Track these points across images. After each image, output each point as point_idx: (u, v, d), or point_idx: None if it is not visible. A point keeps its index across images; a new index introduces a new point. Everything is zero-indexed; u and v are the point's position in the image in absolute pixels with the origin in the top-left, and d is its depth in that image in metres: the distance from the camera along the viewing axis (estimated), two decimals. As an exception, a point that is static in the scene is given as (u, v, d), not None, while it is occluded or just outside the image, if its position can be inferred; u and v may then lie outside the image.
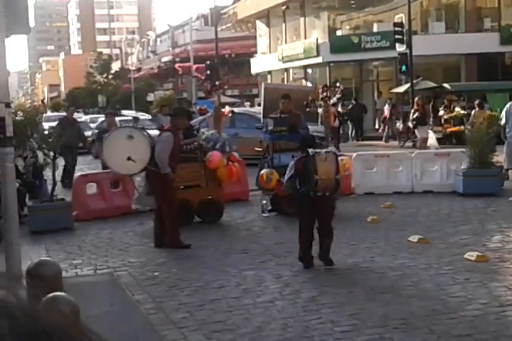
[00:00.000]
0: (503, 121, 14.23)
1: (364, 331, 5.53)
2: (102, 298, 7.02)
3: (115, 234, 10.37)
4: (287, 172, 7.87)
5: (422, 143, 19.63)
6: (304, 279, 7.21)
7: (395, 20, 29.22)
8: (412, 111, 21.19)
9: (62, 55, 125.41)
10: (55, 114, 49.70)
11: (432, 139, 19.50)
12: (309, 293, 6.68)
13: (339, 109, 25.98)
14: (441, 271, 7.29)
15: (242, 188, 13.05)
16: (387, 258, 7.99)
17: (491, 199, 11.91)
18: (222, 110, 12.21)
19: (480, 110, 21.17)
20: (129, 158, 9.12)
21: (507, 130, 14.23)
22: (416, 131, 20.99)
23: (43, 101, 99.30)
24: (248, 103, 41.37)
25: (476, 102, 21.21)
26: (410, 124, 21.73)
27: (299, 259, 7.70)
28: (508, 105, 14.69)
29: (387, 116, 29.31)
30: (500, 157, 13.54)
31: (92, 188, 12.59)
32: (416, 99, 21.96)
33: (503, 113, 14.52)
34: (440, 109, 27.81)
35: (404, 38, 27.44)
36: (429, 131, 20.32)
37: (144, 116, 32.05)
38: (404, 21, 28.29)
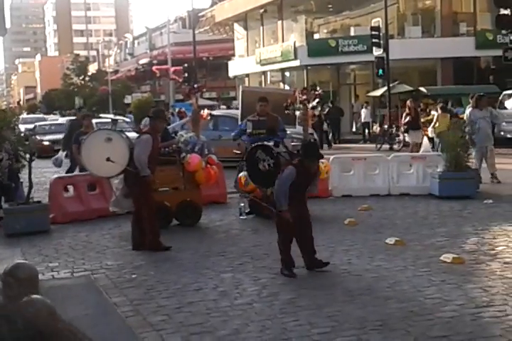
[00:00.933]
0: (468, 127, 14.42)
1: (341, 333, 5.56)
2: (79, 301, 6.98)
3: (92, 236, 10.31)
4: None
5: (414, 147, 19.10)
6: (282, 281, 7.23)
7: (372, 24, 29.44)
8: (404, 114, 20.75)
9: (38, 56, 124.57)
10: (31, 115, 49.35)
11: (425, 142, 19.07)
12: (287, 295, 6.70)
13: (316, 112, 26.06)
14: (417, 272, 7.35)
15: (220, 191, 13.05)
16: (365, 260, 8.04)
17: (466, 201, 12.03)
18: (201, 113, 12.19)
19: (443, 113, 21.75)
20: (108, 159, 9.09)
21: (473, 135, 14.41)
22: (406, 135, 20.61)
23: (18, 103, 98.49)
24: (224, 106, 41.39)
25: (439, 106, 21.67)
26: (402, 128, 21.33)
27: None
28: (468, 111, 14.91)
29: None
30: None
31: (68, 191, 12.52)
32: (408, 101, 21.12)
33: (467, 118, 14.71)
34: (403, 110, 27.99)
35: (381, 41, 27.67)
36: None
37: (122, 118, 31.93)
38: (381, 25, 28.52)
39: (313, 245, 7.73)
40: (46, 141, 26.02)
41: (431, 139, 19.14)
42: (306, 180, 7.53)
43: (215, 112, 20.95)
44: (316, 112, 26.13)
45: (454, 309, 6.08)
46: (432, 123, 19.07)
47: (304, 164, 7.40)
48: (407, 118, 20.21)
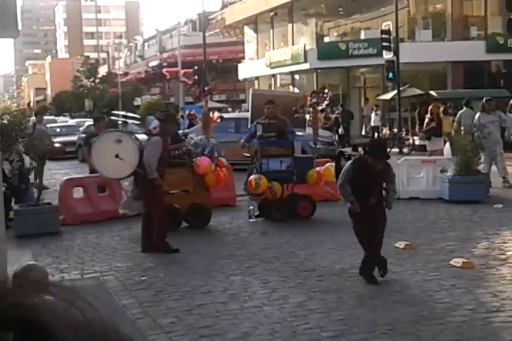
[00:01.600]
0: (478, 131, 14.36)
1: (351, 336, 5.55)
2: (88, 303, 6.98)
3: (102, 238, 10.34)
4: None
5: (433, 155, 17.44)
6: (292, 285, 7.22)
7: (383, 28, 29.38)
8: (427, 120, 19.31)
9: (48, 58, 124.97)
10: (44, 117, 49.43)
11: (446, 149, 18.13)
12: (297, 298, 6.69)
13: (332, 115, 25.90)
14: (427, 277, 7.33)
15: (229, 193, 13.06)
16: (374, 264, 8.01)
17: (476, 206, 11.99)
18: (211, 116, 12.21)
19: (445, 116, 21.89)
20: (116, 156, 9.09)
21: (483, 141, 14.35)
22: (427, 142, 18.99)
23: (28, 104, 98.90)
24: (230, 109, 41.42)
25: (441, 109, 21.68)
26: (421, 134, 20.24)
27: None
28: (477, 115, 14.84)
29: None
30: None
31: (78, 192, 12.56)
32: (430, 106, 19.39)
33: (476, 122, 14.64)
34: (426, 116, 27.94)
35: (392, 45, 27.60)
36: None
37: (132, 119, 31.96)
38: (391, 29, 28.46)
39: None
40: (57, 142, 26.09)
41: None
42: (366, 178, 7.24)
43: (235, 115, 20.90)
44: (333, 115, 26.07)
45: (464, 314, 6.05)
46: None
47: (368, 161, 7.21)
48: (431, 125, 18.91)
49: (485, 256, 8.25)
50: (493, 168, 14.49)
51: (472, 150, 12.67)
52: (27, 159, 11.42)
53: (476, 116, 14.93)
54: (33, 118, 15.87)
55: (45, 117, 21.44)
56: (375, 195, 7.36)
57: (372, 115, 31.12)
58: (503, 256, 8.23)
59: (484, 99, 15.19)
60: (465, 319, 5.91)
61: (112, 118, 16.46)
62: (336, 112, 28.69)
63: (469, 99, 22.17)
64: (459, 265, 7.71)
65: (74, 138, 27.57)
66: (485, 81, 32.73)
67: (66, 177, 13.37)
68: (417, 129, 24.99)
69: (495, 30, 33.14)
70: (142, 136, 10.47)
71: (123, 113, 17.48)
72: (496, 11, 33.39)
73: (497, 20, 33.06)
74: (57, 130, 30.25)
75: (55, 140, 25.32)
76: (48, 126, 31.15)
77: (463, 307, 6.23)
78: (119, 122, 16.47)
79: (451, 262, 7.85)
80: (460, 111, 19.76)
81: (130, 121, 17.19)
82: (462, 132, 13.83)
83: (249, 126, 12.25)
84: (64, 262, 8.77)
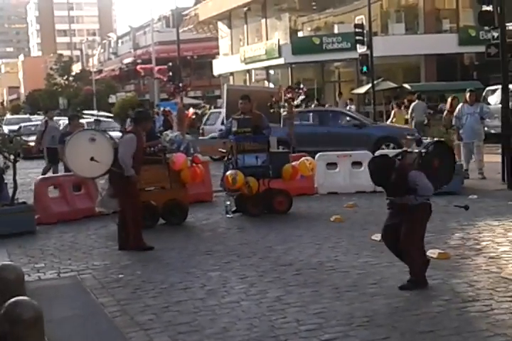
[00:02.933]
0: (453, 122, 14.49)
1: (329, 329, 5.58)
2: (66, 302, 6.96)
3: (78, 237, 10.28)
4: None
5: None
6: (269, 279, 7.24)
7: (356, 22, 29.50)
8: (445, 112, 17.14)
9: (21, 56, 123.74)
10: (16, 116, 48.92)
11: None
12: (274, 292, 6.71)
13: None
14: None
15: (206, 189, 13.05)
16: (351, 257, 8.07)
17: (451, 197, 12.07)
18: (186, 112, 12.19)
19: (398, 110, 22.57)
20: (92, 159, 9.04)
21: (461, 131, 14.51)
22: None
23: (2, 103, 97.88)
24: (207, 105, 41.32)
25: (394, 102, 22.31)
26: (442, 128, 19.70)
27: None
28: (459, 106, 14.96)
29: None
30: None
31: (54, 191, 12.47)
32: (449, 99, 16.86)
33: (456, 113, 14.79)
34: (446, 108, 28.03)
35: (365, 39, 27.72)
36: None
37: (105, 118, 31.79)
38: (364, 23, 28.57)
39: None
40: (32, 141, 25.76)
41: None
42: None
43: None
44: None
45: (440, 304, 6.11)
46: (390, 119, 19.79)
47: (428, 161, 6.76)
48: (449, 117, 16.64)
49: (460, 247, 8.33)
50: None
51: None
52: (0, 158, 11.31)
53: (458, 106, 14.99)
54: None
55: (18, 116, 21.22)
56: None
57: (347, 109, 31.23)
58: (478, 247, 8.32)
59: (467, 90, 15.17)
60: (441, 309, 5.96)
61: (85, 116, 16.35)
62: (312, 107, 28.74)
63: (421, 93, 23.17)
64: (434, 256, 7.77)
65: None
66: (458, 73, 33.04)
67: (41, 177, 13.26)
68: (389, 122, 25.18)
69: (467, 22, 33.44)
70: (116, 134, 10.42)
71: (95, 112, 17.40)
72: (467, 3, 33.68)
73: (469, 12, 33.36)
74: (32, 128, 29.83)
75: (29, 139, 25.01)
76: (23, 125, 30.77)
77: (439, 298, 6.29)
78: (92, 120, 16.37)
79: (427, 253, 7.88)
80: (413, 104, 20.24)
81: (104, 119, 17.09)
82: (413, 124, 13.95)
83: (224, 122, 12.25)
84: (40, 261, 8.71)
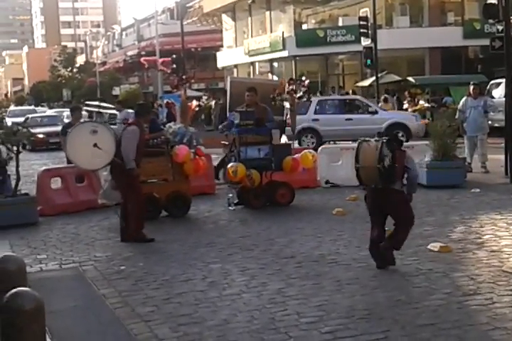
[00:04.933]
0: (457, 115, 14.44)
1: (329, 322, 5.59)
2: (67, 293, 6.98)
3: (81, 228, 10.30)
4: None
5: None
6: (271, 271, 7.25)
7: (360, 15, 29.46)
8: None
9: (25, 48, 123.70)
10: (21, 108, 48.85)
11: None
12: (275, 285, 6.72)
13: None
14: (405, 261, 7.39)
15: (208, 182, 13.05)
16: (353, 249, 8.07)
17: (454, 190, 12.09)
18: (189, 104, 12.18)
19: (385, 104, 23.12)
20: (95, 145, 9.01)
21: (465, 124, 14.47)
22: None
23: (6, 95, 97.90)
24: (206, 97, 41.26)
25: (382, 97, 23.03)
26: None
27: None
28: (463, 100, 14.92)
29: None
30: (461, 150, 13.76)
31: (56, 183, 12.48)
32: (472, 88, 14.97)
33: (460, 107, 14.75)
34: (404, 102, 28.09)
35: (369, 31, 27.63)
36: None
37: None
38: (369, 15, 28.50)
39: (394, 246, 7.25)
40: (40, 133, 25.78)
41: None
42: None
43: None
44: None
45: (441, 297, 6.11)
46: None
47: None
48: None
49: (462, 240, 8.33)
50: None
51: (449, 135, 12.73)
52: (3, 149, 11.31)
53: (462, 100, 14.95)
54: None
55: (22, 108, 21.16)
56: None
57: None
58: (480, 240, 8.31)
59: (471, 83, 15.10)
60: (442, 302, 5.97)
61: (87, 108, 16.29)
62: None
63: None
64: (436, 249, 7.78)
65: (57, 128, 27.36)
66: (462, 66, 32.93)
67: (43, 168, 13.27)
68: None
69: (472, 15, 33.32)
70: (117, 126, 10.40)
71: (97, 103, 17.33)
72: (472, -4, 33.52)
73: (474, 5, 33.23)
74: (39, 120, 29.78)
75: (37, 131, 24.92)
76: (31, 116, 30.65)
77: (440, 291, 6.29)
78: (94, 112, 16.33)
79: (429, 246, 7.91)
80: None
81: (107, 111, 17.06)
82: None
83: (227, 114, 12.23)
84: (42, 253, 8.73)
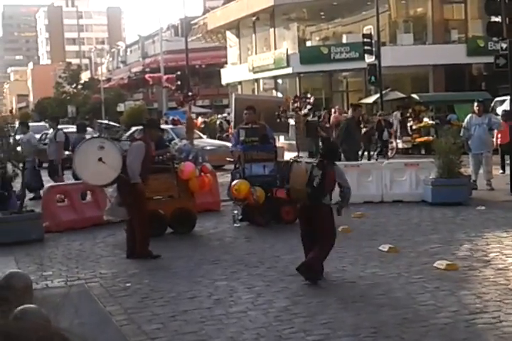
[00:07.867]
0: (462, 133, 14.44)
1: (336, 340, 5.57)
2: (73, 310, 6.96)
3: (86, 245, 10.30)
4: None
5: None
6: (277, 289, 7.24)
7: (364, 32, 29.52)
8: None
9: (30, 65, 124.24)
10: (33, 124, 48.71)
11: None
12: (281, 302, 6.71)
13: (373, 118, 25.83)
14: (411, 279, 7.37)
15: (214, 199, 13.06)
16: (358, 267, 8.06)
17: (459, 208, 12.07)
18: (195, 121, 12.23)
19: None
20: (100, 159, 9.04)
21: (470, 142, 14.47)
22: None
23: (11, 111, 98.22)
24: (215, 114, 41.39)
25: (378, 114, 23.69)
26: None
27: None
28: (468, 117, 14.94)
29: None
30: (466, 167, 13.75)
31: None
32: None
33: (465, 124, 14.76)
34: (409, 119, 28.12)
35: (373, 49, 27.72)
36: None
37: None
38: (372, 33, 28.59)
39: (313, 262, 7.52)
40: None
41: None
42: None
43: None
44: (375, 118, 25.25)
45: (448, 316, 6.09)
46: None
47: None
48: None
49: (468, 258, 8.31)
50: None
51: (454, 153, 12.74)
52: (9, 166, 11.35)
53: (467, 117, 14.98)
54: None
55: (31, 124, 21.20)
56: None
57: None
58: (486, 258, 8.30)
59: (475, 101, 15.13)
60: (449, 321, 5.95)
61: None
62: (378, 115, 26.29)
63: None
64: (442, 267, 7.76)
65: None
66: (466, 84, 32.96)
67: (49, 184, 13.30)
68: (398, 133, 25.41)
69: (475, 33, 33.39)
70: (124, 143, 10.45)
71: (105, 122, 17.46)
72: (476, 14, 33.65)
73: (477, 23, 33.31)
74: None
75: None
76: (45, 132, 30.55)
77: (446, 309, 6.27)
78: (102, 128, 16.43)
79: (435, 264, 7.90)
80: None
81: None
82: None
83: (232, 131, 12.29)
84: (48, 269, 8.73)
